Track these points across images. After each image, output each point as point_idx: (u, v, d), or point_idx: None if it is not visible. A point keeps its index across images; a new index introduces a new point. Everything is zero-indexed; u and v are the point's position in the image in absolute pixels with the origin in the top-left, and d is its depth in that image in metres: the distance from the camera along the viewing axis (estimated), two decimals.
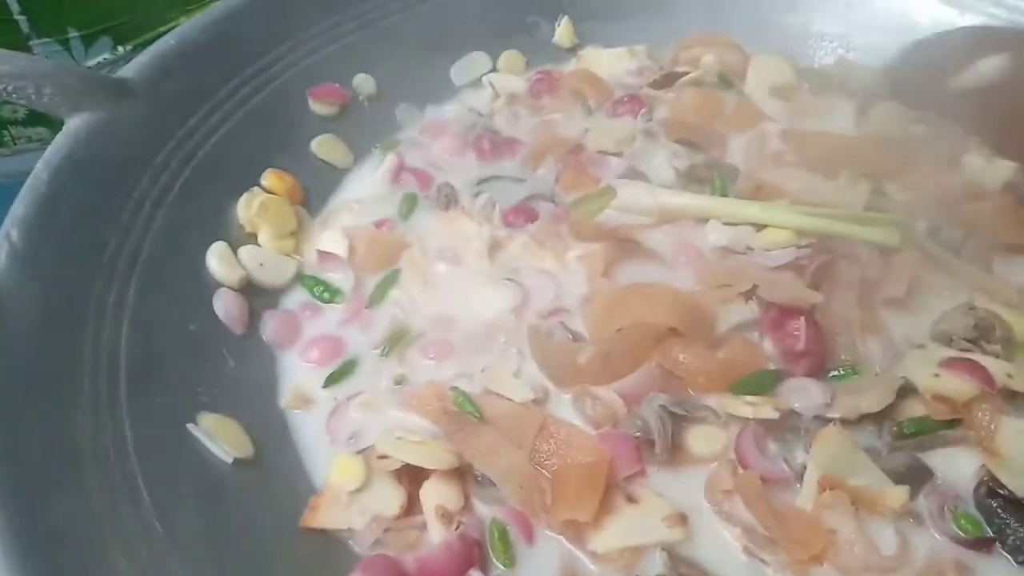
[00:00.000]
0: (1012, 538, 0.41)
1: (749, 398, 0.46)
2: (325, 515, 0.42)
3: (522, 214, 0.59)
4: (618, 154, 0.63)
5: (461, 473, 0.44)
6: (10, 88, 0.48)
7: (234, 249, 0.54)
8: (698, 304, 0.50)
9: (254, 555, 0.40)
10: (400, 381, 0.50)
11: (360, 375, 0.51)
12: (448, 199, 0.61)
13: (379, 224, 0.60)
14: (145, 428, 0.41)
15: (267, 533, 0.41)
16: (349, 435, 0.47)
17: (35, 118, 0.84)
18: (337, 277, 0.56)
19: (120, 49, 0.79)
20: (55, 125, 0.84)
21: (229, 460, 0.44)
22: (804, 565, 0.40)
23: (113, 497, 0.37)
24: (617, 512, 0.42)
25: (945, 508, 0.43)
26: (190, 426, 0.44)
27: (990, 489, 0.43)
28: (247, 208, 0.57)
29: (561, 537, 0.42)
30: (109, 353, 0.43)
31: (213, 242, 0.53)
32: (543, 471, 0.44)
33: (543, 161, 0.63)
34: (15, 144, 0.86)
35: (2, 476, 0.34)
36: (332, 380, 0.51)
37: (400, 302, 0.54)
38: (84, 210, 0.47)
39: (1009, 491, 0.42)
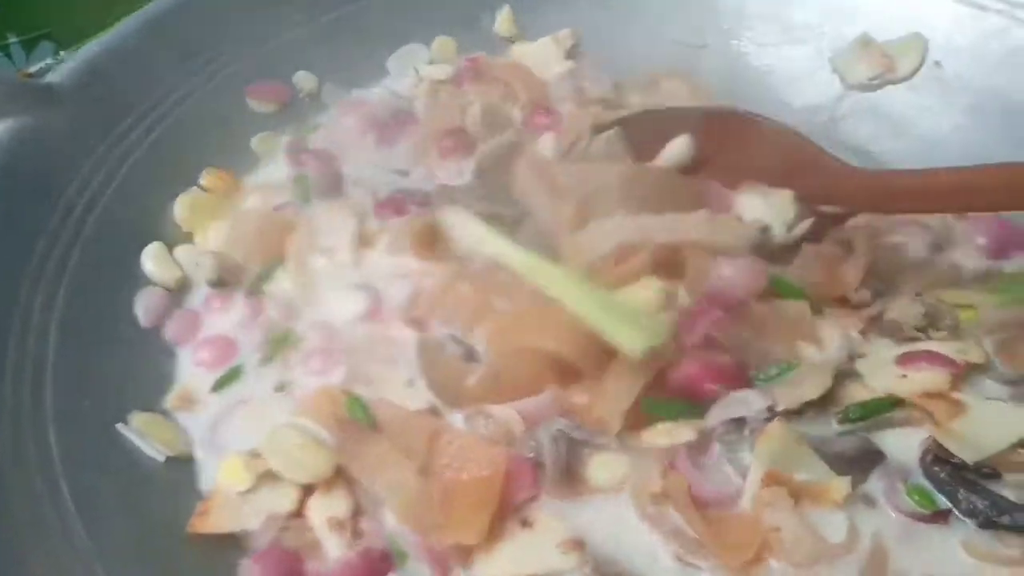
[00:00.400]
0: (964, 503, 0.41)
1: (661, 427, 0.43)
2: (216, 519, 0.41)
3: (391, 208, 0.56)
4: None
5: (349, 480, 0.42)
6: None
7: (171, 249, 0.54)
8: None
9: (183, 554, 0.40)
10: (282, 388, 0.48)
11: (246, 381, 0.49)
12: (332, 185, 0.59)
13: (277, 208, 0.57)
14: (71, 433, 0.41)
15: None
16: (235, 439, 0.46)
17: None
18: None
19: (62, 54, 0.79)
20: None
21: (161, 459, 0.44)
22: (743, 567, 0.39)
23: (35, 504, 0.37)
24: (510, 537, 0.40)
25: (896, 485, 0.43)
26: (120, 426, 0.44)
27: (936, 457, 0.43)
28: (183, 208, 0.57)
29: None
30: (35, 359, 0.43)
31: (148, 243, 0.53)
32: (435, 485, 0.41)
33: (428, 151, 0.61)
34: None
35: None
36: (219, 385, 0.49)
37: (278, 298, 0.52)
38: (10, 218, 0.47)
39: (956, 459, 0.42)
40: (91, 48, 0.57)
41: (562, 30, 0.72)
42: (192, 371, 0.50)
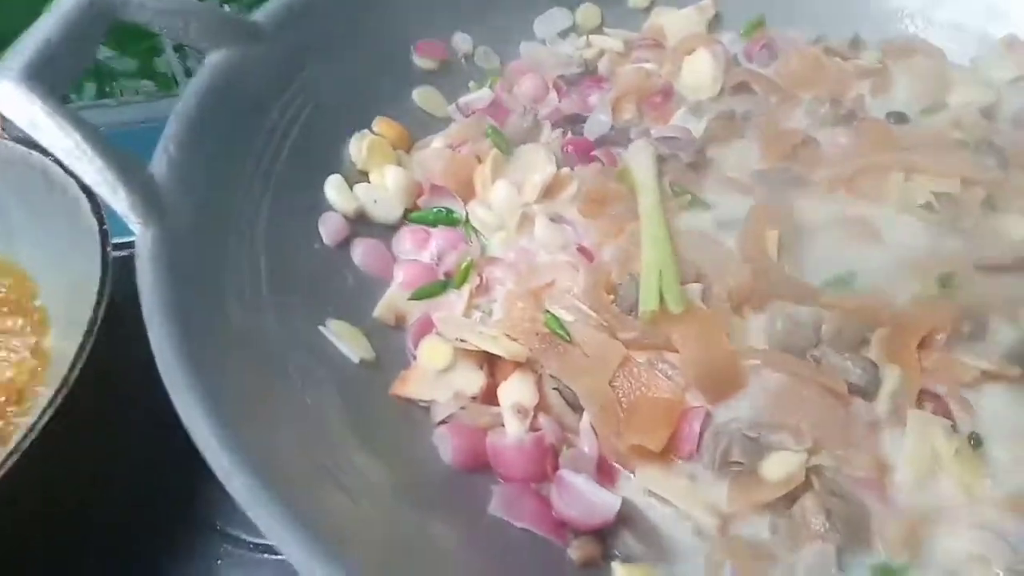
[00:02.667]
0: None
1: None
2: (413, 386, 0.48)
3: (582, 149, 0.61)
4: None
5: (538, 376, 0.48)
6: (163, 23, 0.53)
7: (350, 184, 0.58)
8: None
9: (388, 440, 0.44)
10: (488, 313, 0.53)
11: (448, 298, 0.54)
12: (528, 130, 0.63)
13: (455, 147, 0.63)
14: (286, 323, 0.46)
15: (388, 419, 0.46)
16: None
17: (144, 72, 0.90)
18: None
19: (226, 7, 0.85)
20: (162, 80, 0.91)
21: (355, 360, 0.48)
22: None
23: (268, 376, 0.42)
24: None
25: None
26: (321, 328, 0.48)
27: None
28: (357, 148, 0.61)
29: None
30: (250, 259, 0.48)
31: (331, 174, 0.58)
32: (620, 401, 0.46)
33: (625, 104, 0.65)
34: (122, 96, 0.92)
35: (180, 344, 0.38)
36: (420, 295, 0.54)
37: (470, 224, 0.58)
38: (224, 133, 0.52)
39: None
40: None
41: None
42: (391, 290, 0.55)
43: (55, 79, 0.41)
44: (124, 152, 0.43)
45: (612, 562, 0.42)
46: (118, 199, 0.42)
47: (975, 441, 0.45)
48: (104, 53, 0.87)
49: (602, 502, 0.42)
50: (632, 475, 0.45)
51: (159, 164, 0.46)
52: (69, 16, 0.43)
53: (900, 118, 0.65)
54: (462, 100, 0.68)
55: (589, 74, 0.69)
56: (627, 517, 0.43)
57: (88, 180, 0.42)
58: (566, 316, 0.50)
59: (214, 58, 0.55)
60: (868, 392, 0.47)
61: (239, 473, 0.32)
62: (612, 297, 0.51)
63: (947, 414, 0.46)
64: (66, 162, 0.41)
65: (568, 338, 0.48)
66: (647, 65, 0.69)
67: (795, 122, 0.63)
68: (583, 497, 0.43)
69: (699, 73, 0.65)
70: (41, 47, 0.41)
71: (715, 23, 0.75)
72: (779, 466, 0.44)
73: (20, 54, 0.41)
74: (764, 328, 0.49)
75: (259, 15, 0.59)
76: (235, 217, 0.49)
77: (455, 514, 0.43)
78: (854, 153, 0.60)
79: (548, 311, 0.50)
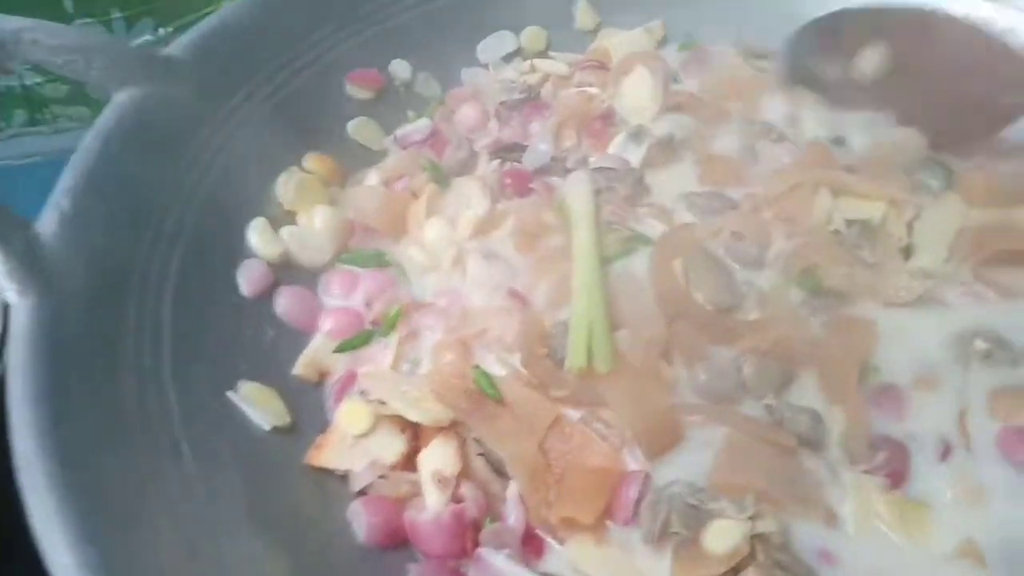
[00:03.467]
0: None
1: None
2: (329, 454, 0.45)
3: (519, 180, 0.58)
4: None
5: (462, 441, 0.45)
6: (61, 61, 0.49)
7: (275, 227, 0.55)
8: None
9: (294, 517, 0.41)
10: (415, 364, 0.50)
11: (374, 348, 0.51)
12: (462, 166, 0.61)
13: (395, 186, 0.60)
14: (189, 393, 0.42)
15: (297, 493, 0.43)
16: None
17: (75, 97, 0.86)
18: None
19: (160, 31, 0.81)
20: (95, 105, 0.87)
21: (267, 427, 0.45)
22: None
23: (158, 459, 0.38)
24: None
25: None
26: (230, 394, 0.45)
27: None
28: (284, 187, 0.58)
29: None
30: (153, 320, 0.44)
31: (254, 218, 0.54)
32: (554, 465, 0.44)
33: (567, 130, 0.62)
34: (55, 122, 0.87)
35: (53, 435, 0.34)
36: (344, 347, 0.51)
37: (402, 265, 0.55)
38: (130, 181, 0.48)
39: None
40: (206, 25, 0.58)
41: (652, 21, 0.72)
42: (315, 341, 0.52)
43: None
44: (3, 208, 0.40)
45: None
46: None
47: None
48: (33, 79, 0.83)
49: None
50: (561, 545, 0.43)
51: (48, 222, 0.42)
52: None
53: (838, 141, 0.62)
54: (399, 132, 0.65)
55: (532, 100, 0.66)
56: None
57: None
58: (497, 370, 0.47)
59: (121, 97, 0.51)
60: (815, 443, 0.45)
61: None
62: (544, 350, 0.48)
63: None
64: None
65: (497, 396, 0.46)
66: (590, 89, 0.66)
67: (728, 141, 0.60)
68: None
69: (638, 94, 0.62)
70: None
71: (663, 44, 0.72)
72: (722, 538, 0.41)
73: None
74: (687, 381, 0.46)
75: (173, 48, 0.55)
76: (137, 277, 0.45)
77: None
78: (787, 172, 0.57)
79: (477, 367, 0.47)
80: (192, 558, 0.35)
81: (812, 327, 0.49)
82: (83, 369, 0.38)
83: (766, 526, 0.41)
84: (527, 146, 0.62)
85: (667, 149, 0.60)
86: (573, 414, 0.46)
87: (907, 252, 0.53)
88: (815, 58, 0.62)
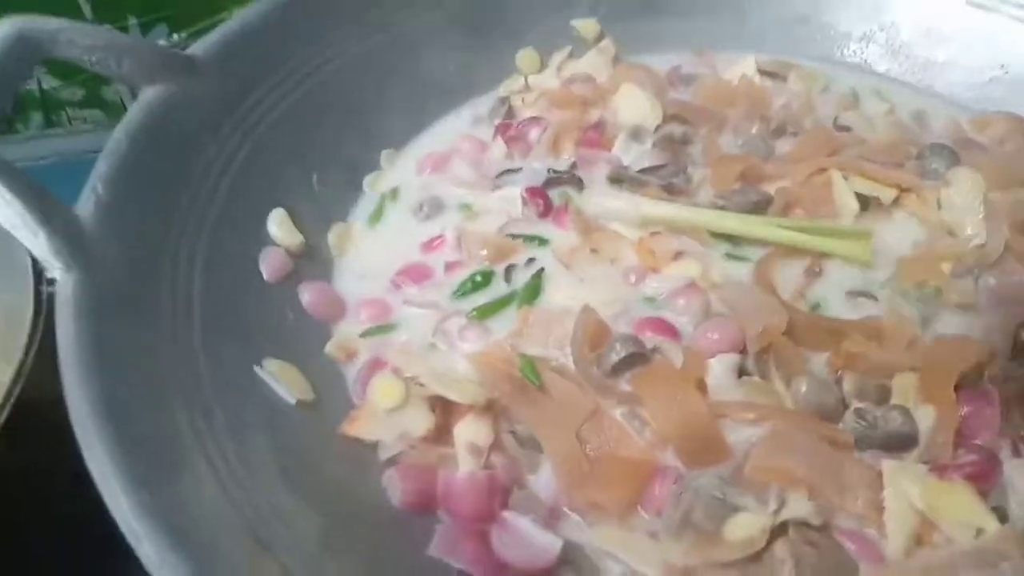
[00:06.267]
0: None
1: None
2: (363, 425, 0.47)
3: (538, 198, 0.60)
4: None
5: (495, 417, 0.47)
6: (94, 59, 0.52)
7: (295, 216, 0.58)
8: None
9: (318, 482, 0.43)
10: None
11: (402, 333, 0.54)
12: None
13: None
14: (219, 366, 0.45)
15: (325, 461, 0.45)
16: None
17: (91, 101, 0.89)
18: None
19: (175, 36, 0.84)
20: (109, 108, 0.89)
21: (292, 401, 0.47)
22: None
23: (192, 417, 0.41)
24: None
25: None
26: (257, 369, 0.47)
27: None
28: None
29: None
30: (185, 296, 0.47)
31: (274, 208, 0.57)
32: (586, 454, 0.45)
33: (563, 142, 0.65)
34: (71, 125, 0.90)
35: (101, 394, 0.37)
36: (372, 332, 0.54)
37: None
38: (159, 171, 0.51)
39: None
40: (227, 28, 0.61)
41: (603, 41, 0.75)
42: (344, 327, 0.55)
43: None
44: (46, 193, 0.42)
45: None
46: (38, 243, 0.40)
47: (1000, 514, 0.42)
48: (49, 83, 0.86)
49: (542, 546, 0.41)
50: (588, 525, 0.44)
51: (86, 205, 0.45)
52: None
53: (843, 127, 0.66)
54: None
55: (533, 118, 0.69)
56: (572, 560, 0.42)
57: (6, 223, 0.40)
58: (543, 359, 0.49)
59: (148, 94, 0.54)
60: (909, 440, 0.45)
61: (147, 539, 0.31)
62: (596, 352, 0.49)
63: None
64: None
65: (540, 384, 0.47)
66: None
67: (728, 143, 0.64)
68: (523, 540, 0.42)
69: (636, 105, 0.65)
70: None
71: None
72: (741, 528, 0.41)
73: None
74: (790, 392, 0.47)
75: (196, 49, 0.58)
76: (168, 258, 0.48)
77: (393, 557, 0.42)
78: (799, 160, 0.61)
79: (523, 355, 0.49)
80: (231, 505, 0.37)
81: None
82: (123, 337, 0.41)
83: (794, 512, 0.41)
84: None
85: (672, 147, 0.63)
86: (614, 410, 0.47)
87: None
88: None
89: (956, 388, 0.46)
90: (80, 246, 0.42)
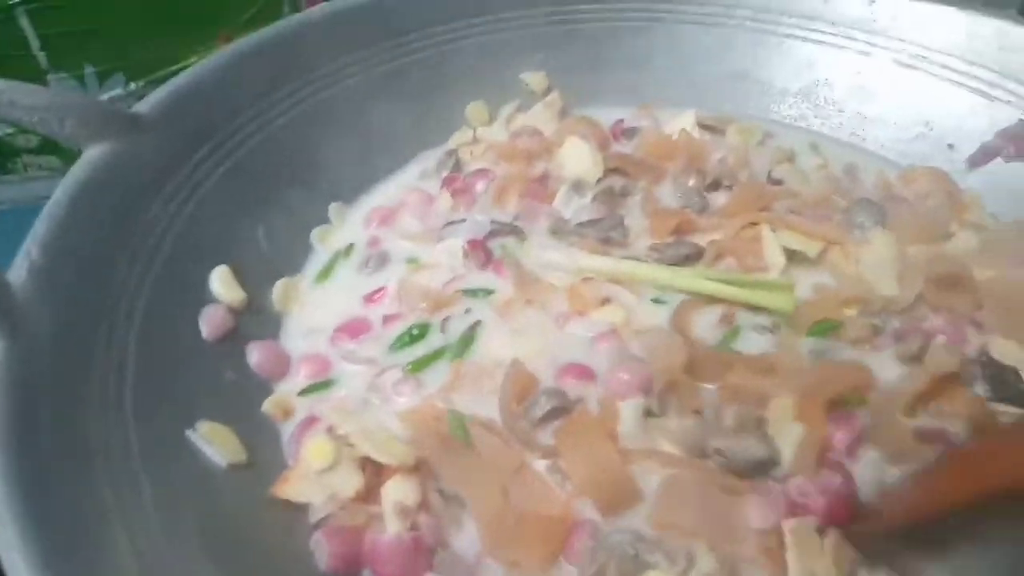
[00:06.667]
0: None
1: None
2: (292, 487, 0.47)
3: (477, 249, 0.62)
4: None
5: (422, 476, 0.47)
6: (35, 119, 0.53)
7: (240, 272, 0.59)
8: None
9: (244, 550, 0.43)
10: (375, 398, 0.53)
11: (340, 389, 0.55)
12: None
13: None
14: (149, 430, 0.45)
15: (253, 526, 0.45)
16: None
17: (46, 148, 0.89)
18: None
19: (132, 85, 0.85)
20: (65, 155, 0.90)
21: (223, 464, 0.47)
22: None
23: (118, 489, 0.41)
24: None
25: None
26: (189, 432, 0.48)
27: None
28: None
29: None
30: (118, 362, 0.47)
31: (216, 266, 0.58)
32: (513, 509, 0.46)
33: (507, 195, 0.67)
34: (26, 172, 0.90)
35: (18, 468, 0.37)
36: (310, 391, 0.55)
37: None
38: (99, 232, 0.51)
39: None
40: (174, 84, 0.62)
41: (550, 95, 0.78)
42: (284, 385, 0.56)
43: None
44: None
45: None
46: None
47: None
48: (4, 130, 0.86)
49: None
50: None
51: (18, 270, 0.45)
52: None
53: (776, 181, 0.69)
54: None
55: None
56: None
57: None
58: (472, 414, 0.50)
59: (92, 152, 0.54)
60: (767, 462, 0.47)
61: None
62: (522, 407, 0.51)
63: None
64: None
65: (468, 441, 0.48)
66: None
67: (667, 195, 0.67)
68: None
69: (579, 159, 0.67)
70: None
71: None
72: None
73: None
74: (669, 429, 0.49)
75: (142, 106, 0.59)
76: (104, 321, 0.48)
77: None
78: (732, 214, 0.64)
79: (452, 411, 0.50)
80: None
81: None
82: (49, 407, 0.41)
83: (700, 571, 0.43)
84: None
85: (612, 200, 0.65)
86: (538, 463, 0.49)
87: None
88: None
89: (833, 408, 0.48)
90: (8, 314, 0.42)
